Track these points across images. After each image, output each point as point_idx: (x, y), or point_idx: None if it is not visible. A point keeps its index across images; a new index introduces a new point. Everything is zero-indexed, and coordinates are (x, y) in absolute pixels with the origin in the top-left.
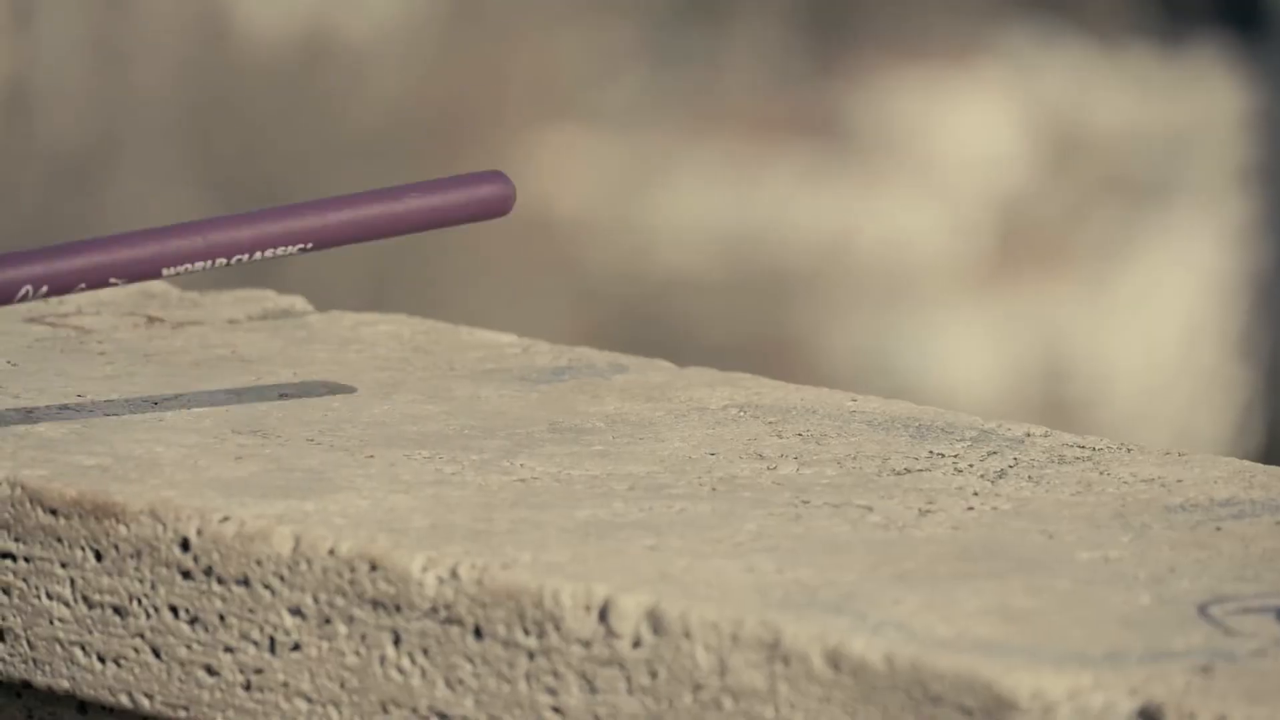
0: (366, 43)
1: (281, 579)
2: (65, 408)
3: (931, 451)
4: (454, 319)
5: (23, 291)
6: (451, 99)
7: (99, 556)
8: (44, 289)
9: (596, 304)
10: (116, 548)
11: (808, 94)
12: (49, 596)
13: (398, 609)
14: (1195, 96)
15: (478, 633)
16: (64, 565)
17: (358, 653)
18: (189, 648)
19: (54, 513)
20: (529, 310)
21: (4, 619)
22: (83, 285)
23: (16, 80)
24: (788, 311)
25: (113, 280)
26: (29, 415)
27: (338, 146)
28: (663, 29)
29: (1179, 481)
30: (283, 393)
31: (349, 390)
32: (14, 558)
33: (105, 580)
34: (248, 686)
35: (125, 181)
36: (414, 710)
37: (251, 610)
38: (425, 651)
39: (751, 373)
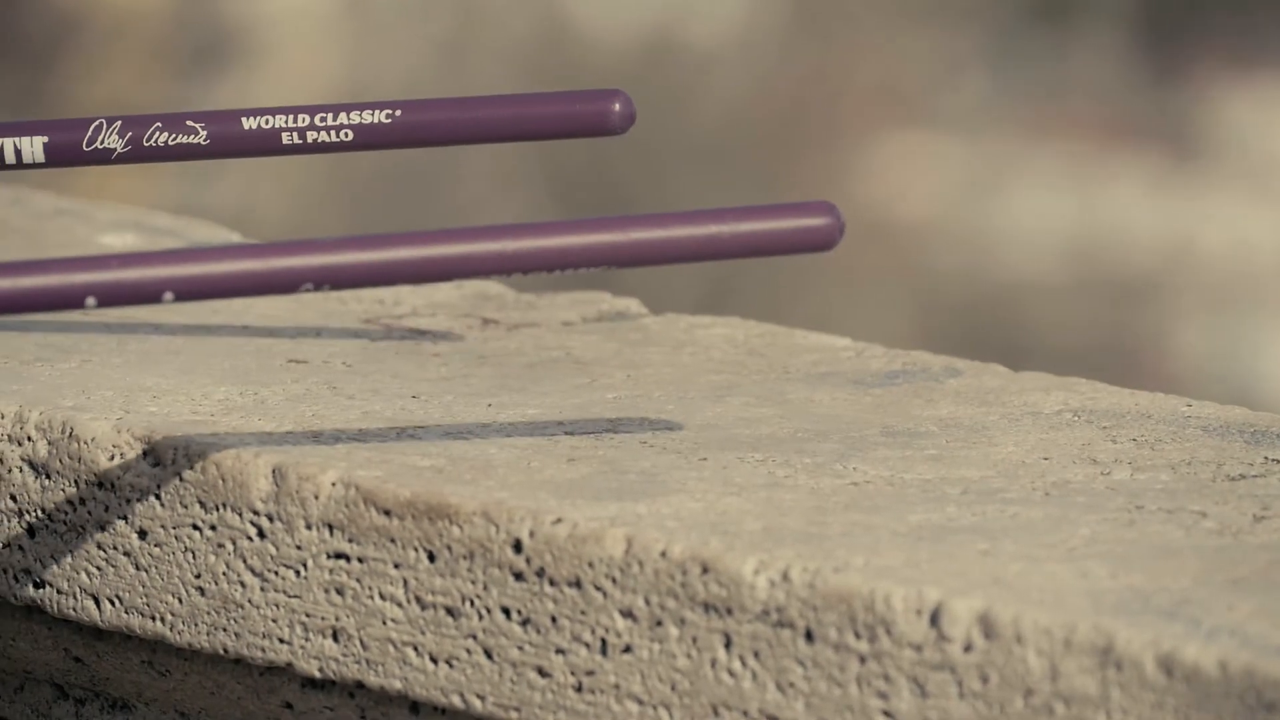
0: (709, 46)
1: (613, 581)
2: (400, 409)
3: (1267, 458)
4: (789, 322)
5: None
6: (793, 103)
7: (432, 557)
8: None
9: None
10: (449, 549)
11: (1149, 99)
12: (382, 597)
13: (729, 612)
14: None
15: (809, 636)
16: (397, 566)
17: (689, 655)
18: (521, 649)
19: (388, 513)
20: (865, 314)
21: (338, 619)
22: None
23: (354, 81)
24: (1126, 316)
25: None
26: (364, 415)
27: (679, 150)
28: (1006, 33)
29: None
30: (616, 395)
31: (683, 393)
32: (348, 558)
33: (438, 581)
34: (579, 688)
35: (467, 184)
36: (744, 713)
37: (583, 612)
38: (756, 654)
39: (1089, 378)
